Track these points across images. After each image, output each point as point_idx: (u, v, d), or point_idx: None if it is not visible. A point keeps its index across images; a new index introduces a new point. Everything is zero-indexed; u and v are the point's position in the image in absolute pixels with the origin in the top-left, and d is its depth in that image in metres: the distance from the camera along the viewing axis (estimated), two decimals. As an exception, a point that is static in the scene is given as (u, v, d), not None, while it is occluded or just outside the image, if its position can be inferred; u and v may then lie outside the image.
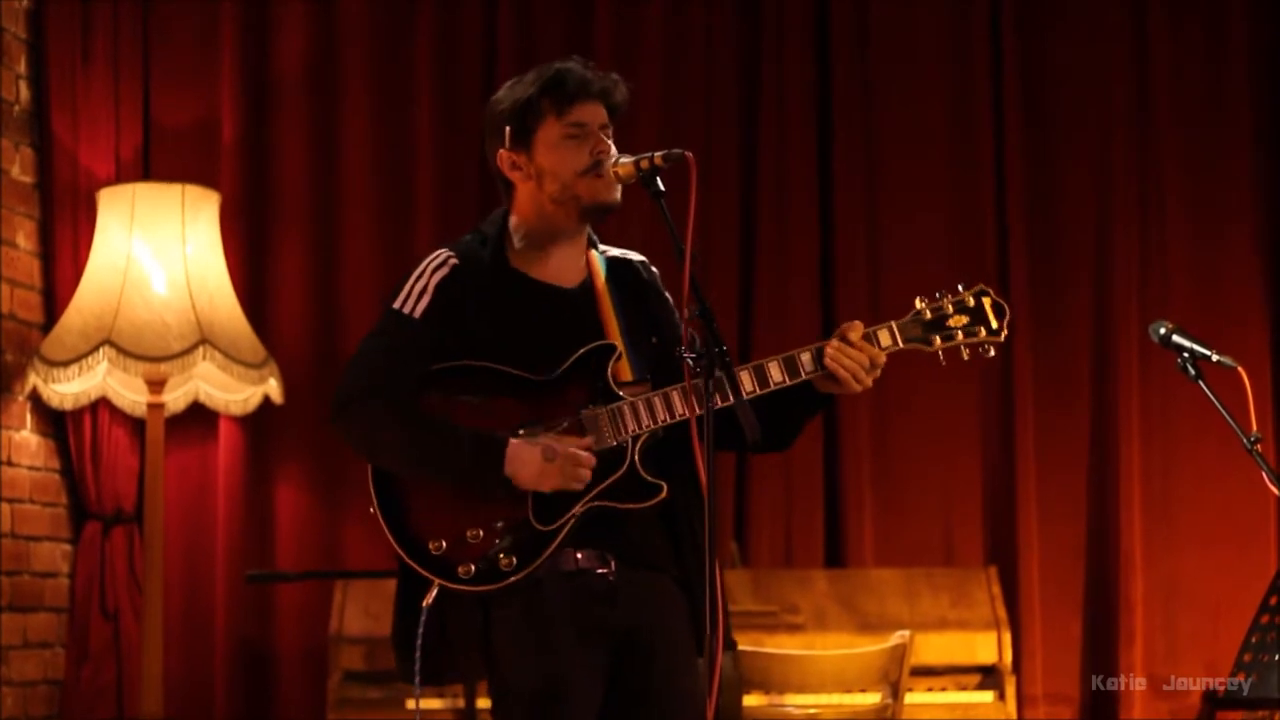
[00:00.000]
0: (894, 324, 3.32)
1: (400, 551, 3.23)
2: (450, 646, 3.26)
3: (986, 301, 3.36)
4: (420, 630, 3.22)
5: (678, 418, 3.23)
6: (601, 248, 3.43)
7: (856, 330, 3.28)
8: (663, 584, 3.32)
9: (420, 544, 3.22)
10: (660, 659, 3.30)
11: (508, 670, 3.24)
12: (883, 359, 3.29)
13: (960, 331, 3.34)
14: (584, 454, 3.21)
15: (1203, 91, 6.03)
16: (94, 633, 5.57)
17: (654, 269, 3.48)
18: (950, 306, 3.35)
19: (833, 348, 3.27)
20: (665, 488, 3.25)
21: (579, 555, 3.25)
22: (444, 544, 3.21)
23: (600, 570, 3.26)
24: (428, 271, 3.31)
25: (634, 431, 3.25)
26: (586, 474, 3.21)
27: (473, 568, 3.20)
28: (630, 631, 3.27)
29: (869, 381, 3.29)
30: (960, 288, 3.37)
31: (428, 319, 3.27)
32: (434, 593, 3.21)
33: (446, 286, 3.29)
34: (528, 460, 3.19)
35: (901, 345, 3.33)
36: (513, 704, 3.24)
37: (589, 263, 3.40)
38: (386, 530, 3.23)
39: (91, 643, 5.57)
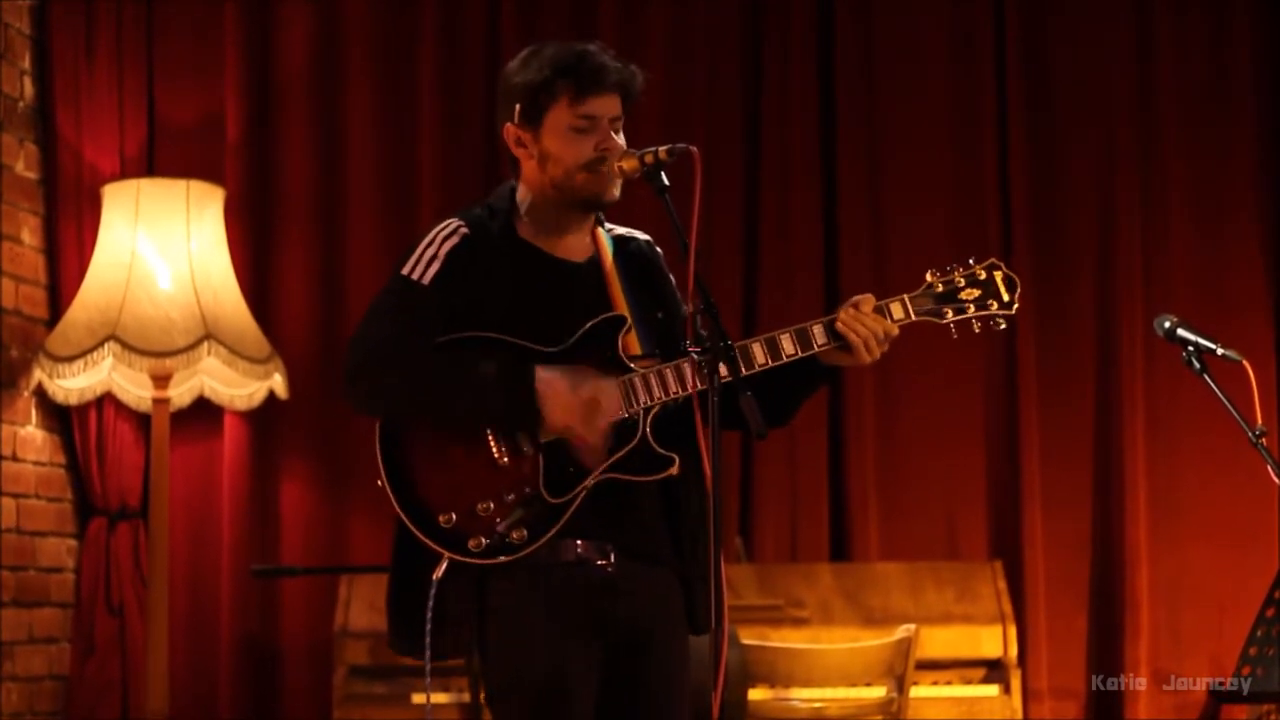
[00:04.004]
0: (906, 297, 3.31)
1: (411, 525, 3.20)
2: (449, 621, 3.24)
3: (998, 275, 3.35)
4: (430, 604, 3.19)
5: (689, 389, 3.21)
6: (608, 226, 3.42)
7: (869, 302, 3.27)
8: (662, 577, 3.31)
9: (429, 517, 3.20)
10: (656, 653, 3.29)
11: (505, 662, 3.23)
12: (895, 331, 3.27)
13: (972, 304, 3.33)
14: (606, 401, 3.19)
15: (1206, 84, 6.03)
16: (99, 628, 5.58)
17: (658, 248, 3.46)
18: (962, 279, 3.34)
19: (846, 314, 3.25)
20: (677, 461, 3.23)
21: (579, 545, 3.24)
22: (454, 517, 3.19)
23: (600, 562, 3.25)
24: (438, 239, 3.27)
25: (646, 403, 3.22)
26: (600, 435, 3.20)
27: (483, 541, 3.18)
28: (627, 624, 3.26)
29: (878, 353, 3.26)
30: (971, 260, 3.36)
31: (437, 286, 3.23)
32: (444, 566, 3.19)
33: (457, 255, 3.25)
34: (557, 385, 3.17)
35: (914, 318, 3.31)
36: (511, 696, 3.22)
37: (596, 239, 3.38)
38: (395, 502, 3.21)
39: (97, 638, 5.57)
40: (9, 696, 5.35)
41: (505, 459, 3.21)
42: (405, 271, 3.26)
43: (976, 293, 3.33)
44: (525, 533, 3.19)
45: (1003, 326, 3.35)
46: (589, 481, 3.21)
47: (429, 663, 3.23)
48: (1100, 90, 6.01)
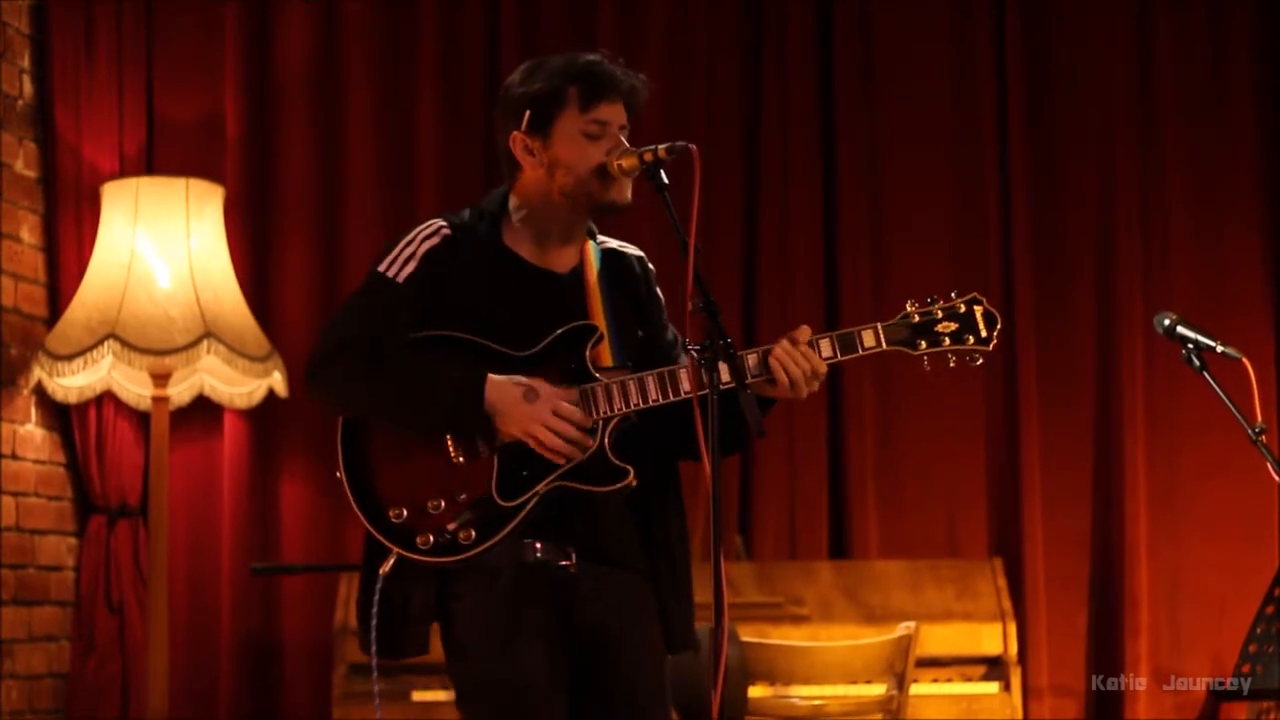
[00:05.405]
0: (879, 325, 3.27)
1: (362, 517, 3.21)
2: (409, 620, 3.24)
3: (978, 310, 3.31)
4: (376, 598, 3.20)
5: (651, 403, 3.20)
6: (600, 239, 3.41)
7: (804, 334, 3.23)
8: (628, 580, 3.29)
9: (382, 511, 3.20)
10: (627, 656, 3.27)
11: (469, 664, 3.22)
12: (823, 369, 3.21)
13: (948, 338, 3.29)
14: (567, 405, 3.17)
15: (1205, 84, 6.04)
16: (99, 626, 5.58)
17: (650, 265, 3.45)
18: (940, 312, 3.29)
19: (781, 350, 3.20)
20: (631, 473, 3.21)
21: (539, 547, 3.22)
22: (405, 512, 3.19)
23: (561, 563, 3.23)
24: (418, 239, 3.29)
25: (605, 414, 3.21)
26: (569, 429, 3.17)
27: (431, 539, 3.17)
28: (594, 627, 3.25)
29: (804, 393, 3.21)
30: (953, 294, 3.32)
31: (410, 285, 3.24)
32: (391, 561, 3.19)
33: (434, 256, 3.26)
34: (509, 398, 3.16)
35: (885, 346, 3.27)
36: (476, 699, 3.22)
37: (583, 252, 3.37)
38: (350, 495, 3.22)
39: (97, 636, 5.57)
40: (9, 694, 5.35)
41: (461, 459, 3.21)
42: (381, 269, 3.28)
43: (954, 326, 3.29)
44: (474, 534, 3.18)
45: (979, 363, 3.32)
46: (539, 488, 3.20)
47: (375, 659, 3.23)
48: (1100, 91, 6.01)
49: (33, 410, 5.54)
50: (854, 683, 4.88)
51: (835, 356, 3.25)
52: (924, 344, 3.28)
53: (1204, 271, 5.97)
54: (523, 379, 3.18)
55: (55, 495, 5.63)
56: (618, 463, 3.22)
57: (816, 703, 4.69)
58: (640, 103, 3.32)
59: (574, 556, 3.24)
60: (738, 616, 5.06)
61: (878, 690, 4.73)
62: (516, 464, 3.20)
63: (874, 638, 4.65)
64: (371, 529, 3.21)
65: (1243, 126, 6.03)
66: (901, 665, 4.54)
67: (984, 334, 3.30)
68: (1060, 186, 6.01)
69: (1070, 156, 6.02)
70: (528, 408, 3.16)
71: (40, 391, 5.49)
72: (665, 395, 3.20)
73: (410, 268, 3.26)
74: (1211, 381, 3.96)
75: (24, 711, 5.43)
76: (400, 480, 3.22)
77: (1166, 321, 4.04)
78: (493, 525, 3.19)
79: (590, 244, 3.39)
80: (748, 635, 4.70)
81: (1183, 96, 6.03)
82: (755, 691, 4.75)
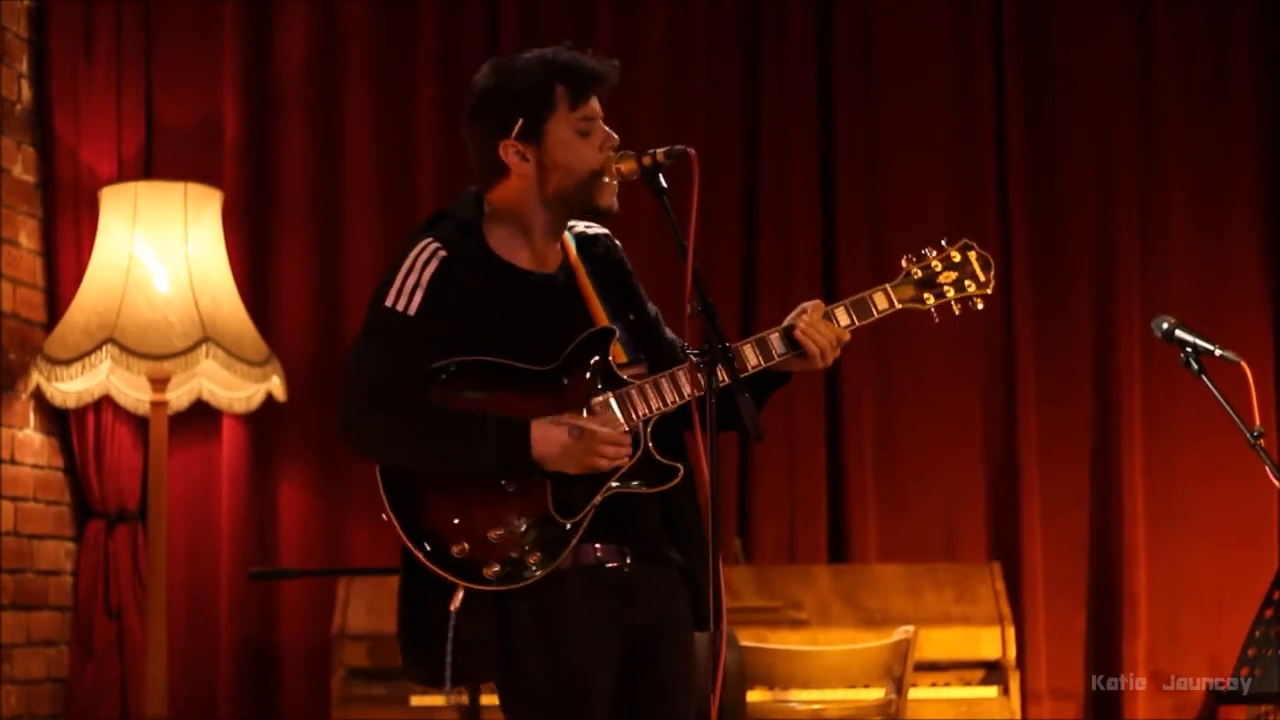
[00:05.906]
0: (888, 286, 3.31)
1: (423, 559, 3.15)
2: (462, 648, 3.19)
3: (972, 255, 3.35)
4: (451, 635, 3.15)
5: (687, 398, 3.19)
6: (569, 224, 3.38)
7: (819, 308, 3.26)
8: (670, 577, 3.30)
9: (442, 548, 3.16)
10: (666, 650, 3.28)
11: (524, 666, 3.19)
12: (847, 337, 3.27)
13: (950, 288, 3.34)
14: (611, 432, 3.16)
15: (1205, 82, 6.03)
16: (98, 631, 5.58)
17: (617, 241, 3.43)
18: (938, 264, 3.34)
19: (804, 322, 3.23)
20: (681, 469, 3.22)
21: (598, 549, 3.22)
22: (467, 546, 3.15)
23: (615, 564, 3.23)
24: (418, 266, 3.22)
25: (645, 415, 3.21)
26: (619, 451, 3.17)
27: (498, 568, 3.14)
28: (642, 625, 3.25)
29: (830, 360, 3.26)
30: (944, 243, 3.36)
31: (423, 315, 3.19)
32: (460, 596, 3.15)
33: (438, 281, 3.21)
34: (554, 440, 3.14)
35: (898, 306, 3.31)
36: (530, 700, 3.20)
37: (563, 244, 3.35)
38: (405, 538, 3.15)
39: (95, 641, 5.57)
40: (8, 699, 5.35)
41: (512, 487, 3.19)
42: (389, 304, 3.21)
43: (953, 275, 3.34)
44: (540, 555, 3.17)
45: (980, 307, 3.37)
46: (597, 499, 3.19)
47: (450, 693, 3.20)
48: (1100, 90, 6.01)
49: (31, 415, 5.54)
50: (852, 687, 4.88)
51: (853, 323, 3.29)
52: (931, 298, 3.34)
53: (1204, 271, 5.97)
54: (564, 419, 3.17)
55: (54, 500, 5.63)
56: (665, 461, 3.23)
57: (815, 707, 4.69)
58: (612, 88, 3.30)
59: (629, 558, 3.24)
60: (736, 621, 5.06)
61: (876, 694, 4.73)
62: (570, 480, 3.18)
63: (872, 642, 4.65)
64: (436, 569, 3.14)
65: (1243, 126, 6.02)
66: (900, 669, 4.54)
67: (983, 278, 3.36)
68: (1060, 187, 6.01)
69: (1070, 157, 6.02)
70: (580, 445, 3.15)
71: (39, 396, 5.48)
72: (696, 388, 3.19)
73: (419, 297, 3.20)
74: (1210, 385, 3.95)
75: (23, 716, 5.43)
76: (454, 514, 3.17)
77: (1165, 325, 4.03)
78: (557, 544, 3.17)
79: (566, 234, 3.36)
80: (746, 639, 4.70)
81: (1183, 96, 6.02)
82: (754, 696, 4.75)
